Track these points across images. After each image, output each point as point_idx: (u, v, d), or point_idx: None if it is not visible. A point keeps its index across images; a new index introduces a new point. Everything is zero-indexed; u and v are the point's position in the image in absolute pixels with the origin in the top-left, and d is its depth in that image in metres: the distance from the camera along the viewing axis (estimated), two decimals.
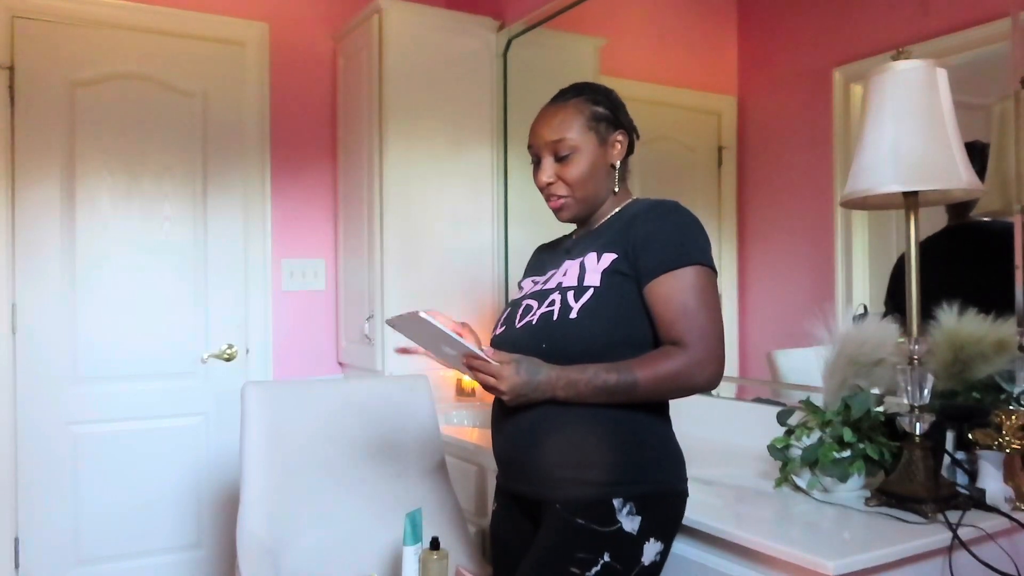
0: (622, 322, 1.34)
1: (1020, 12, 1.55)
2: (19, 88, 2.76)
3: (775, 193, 2.18)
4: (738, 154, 2.28)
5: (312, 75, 3.25)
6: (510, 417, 1.41)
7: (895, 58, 1.46)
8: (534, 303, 1.43)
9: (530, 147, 1.49)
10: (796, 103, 2.11)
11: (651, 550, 1.33)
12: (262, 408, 2.00)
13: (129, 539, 2.89)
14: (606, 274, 1.36)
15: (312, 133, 3.25)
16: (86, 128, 2.85)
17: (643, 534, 1.32)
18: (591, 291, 1.35)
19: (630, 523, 1.31)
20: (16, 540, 2.74)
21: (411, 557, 1.77)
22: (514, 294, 1.61)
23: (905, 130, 1.42)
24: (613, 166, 1.47)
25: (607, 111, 1.46)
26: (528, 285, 1.54)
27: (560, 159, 1.43)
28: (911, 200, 1.47)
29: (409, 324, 1.32)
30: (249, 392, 2.01)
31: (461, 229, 3.02)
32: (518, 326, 1.43)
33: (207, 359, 3.03)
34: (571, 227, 1.60)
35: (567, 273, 1.42)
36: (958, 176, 1.41)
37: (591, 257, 1.40)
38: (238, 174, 3.10)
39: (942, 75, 1.44)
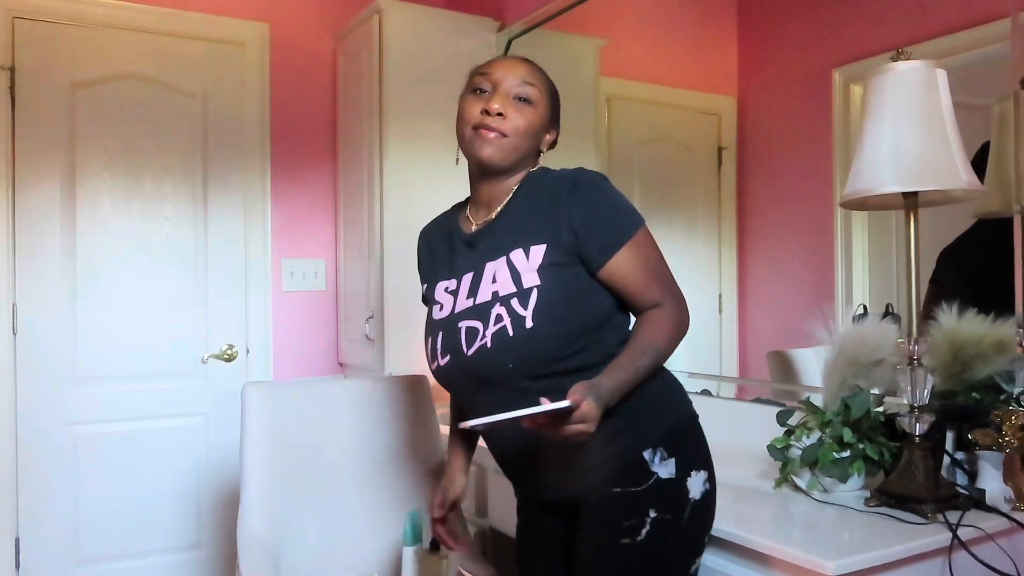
0: (577, 311, 1.29)
1: (1020, 12, 1.55)
2: (19, 88, 2.76)
3: (775, 193, 2.18)
4: (738, 154, 2.28)
5: (312, 75, 3.25)
6: (511, 437, 1.37)
7: (895, 59, 1.46)
8: (477, 324, 1.32)
9: (484, 75, 1.37)
10: (796, 103, 2.11)
11: (697, 482, 1.31)
12: (262, 408, 2.00)
13: (129, 539, 2.89)
14: (543, 270, 1.28)
15: (312, 133, 3.25)
16: (86, 128, 2.85)
17: (682, 472, 1.30)
18: (535, 292, 1.27)
19: (666, 469, 1.29)
20: (16, 540, 2.74)
21: (411, 557, 1.77)
22: (434, 308, 1.47)
23: (905, 130, 1.42)
24: (540, 150, 1.42)
25: (558, 100, 1.44)
26: (445, 298, 1.41)
27: (521, 100, 1.35)
28: (911, 201, 1.47)
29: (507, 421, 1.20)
30: (249, 392, 2.01)
31: None
32: (469, 353, 1.32)
33: (207, 359, 3.03)
34: (452, 203, 1.53)
35: (496, 278, 1.31)
36: (958, 176, 1.41)
37: (518, 255, 1.31)
38: (238, 174, 3.10)
39: (942, 75, 1.44)
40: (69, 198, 2.83)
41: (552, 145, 1.45)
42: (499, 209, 1.39)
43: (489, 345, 1.29)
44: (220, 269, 3.07)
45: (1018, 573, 1.34)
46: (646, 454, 1.29)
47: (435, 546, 1.81)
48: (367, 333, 2.95)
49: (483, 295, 1.33)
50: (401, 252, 2.89)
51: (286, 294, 3.20)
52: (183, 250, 3.01)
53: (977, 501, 1.44)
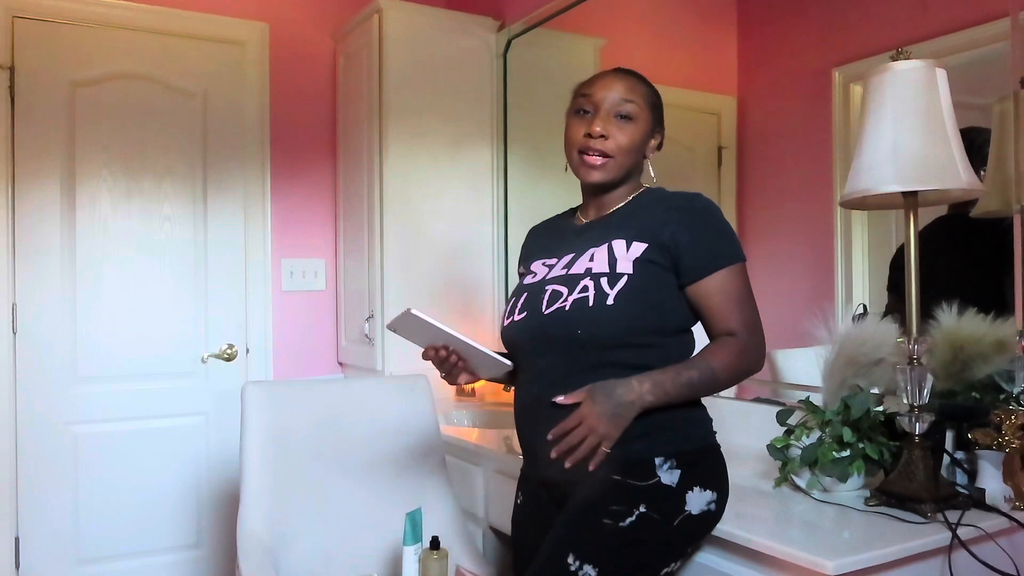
0: (655, 310, 1.35)
1: (1020, 12, 1.55)
2: (19, 88, 2.76)
3: (775, 193, 2.18)
4: (738, 154, 2.28)
5: (312, 75, 3.25)
6: (538, 410, 1.39)
7: (895, 58, 1.46)
8: (563, 289, 1.39)
9: (585, 96, 1.45)
10: (796, 103, 2.11)
11: (699, 499, 1.33)
12: (262, 408, 2.00)
13: (129, 539, 2.89)
14: (639, 263, 1.35)
15: (312, 133, 3.25)
16: (86, 128, 2.85)
17: (684, 485, 1.32)
18: (625, 278, 1.34)
19: (669, 477, 1.32)
20: (16, 540, 2.74)
21: (411, 557, 1.77)
22: (514, 280, 1.58)
23: (905, 130, 1.42)
24: (645, 156, 1.48)
25: (660, 106, 1.49)
26: (540, 269, 1.50)
27: (622, 118, 1.42)
28: (910, 200, 1.47)
29: (408, 325, 1.31)
30: (249, 392, 2.01)
31: (461, 229, 3.02)
32: (546, 312, 1.39)
33: (207, 359, 3.03)
34: (569, 207, 1.60)
35: (594, 258, 1.39)
36: (958, 176, 1.41)
37: (619, 244, 1.38)
38: (238, 174, 3.10)
39: (942, 75, 1.44)
40: (69, 198, 2.83)
41: (658, 148, 1.50)
42: (613, 209, 1.48)
43: (567, 309, 1.36)
44: (220, 269, 3.07)
45: (1018, 573, 1.34)
46: (657, 460, 1.32)
47: (435, 546, 1.81)
48: (367, 333, 2.95)
49: (577, 268, 1.41)
50: (401, 252, 2.89)
51: (286, 294, 3.20)
52: (183, 250, 3.01)
53: (977, 501, 1.44)
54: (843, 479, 1.53)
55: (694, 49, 2.48)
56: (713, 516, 1.36)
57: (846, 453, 1.53)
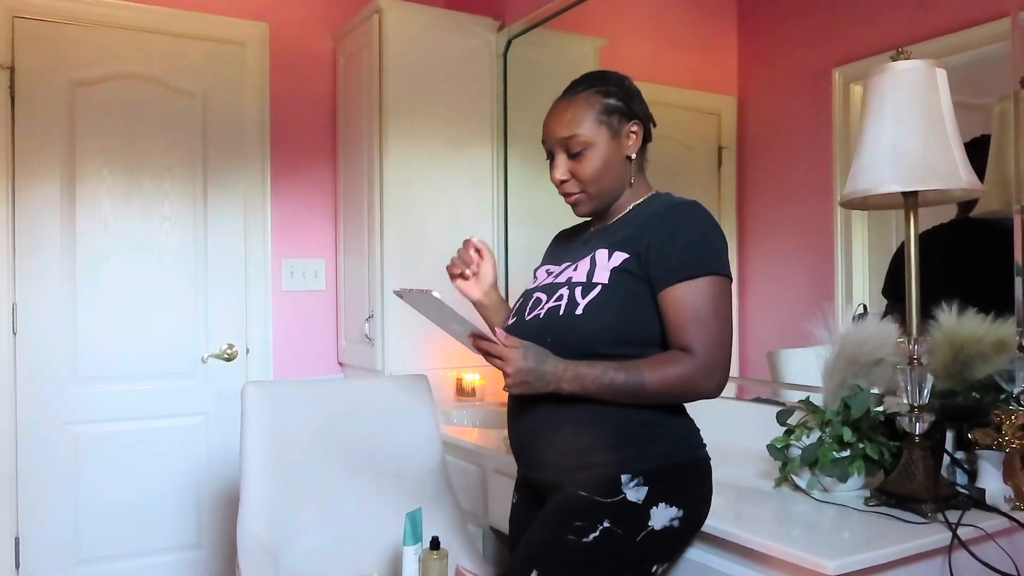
0: (627, 320, 1.34)
1: (1020, 12, 1.55)
2: (19, 88, 2.76)
3: (775, 193, 2.18)
4: (738, 154, 2.28)
5: (312, 75, 3.25)
6: (525, 409, 1.42)
7: (895, 58, 1.46)
8: (543, 296, 1.43)
9: (544, 142, 1.48)
10: (796, 103, 2.11)
11: (663, 515, 1.32)
12: (262, 408, 2.00)
13: (129, 539, 2.89)
14: (615, 272, 1.36)
15: (312, 133, 3.25)
16: (86, 128, 2.85)
17: (650, 501, 1.32)
18: (599, 288, 1.35)
19: (635, 493, 1.32)
20: (16, 540, 2.74)
21: (411, 557, 1.77)
22: (529, 283, 1.60)
23: (905, 130, 1.42)
24: (629, 158, 1.44)
25: (619, 102, 1.43)
26: (542, 275, 1.54)
27: (573, 156, 1.42)
28: (911, 200, 1.47)
29: (418, 299, 1.33)
30: (249, 392, 2.01)
31: (461, 229, 3.01)
32: (527, 318, 1.43)
33: (207, 359, 3.03)
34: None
35: (578, 268, 1.42)
36: (958, 176, 1.41)
37: (602, 253, 1.40)
38: (238, 174, 3.10)
39: (942, 75, 1.44)
40: (69, 197, 2.83)
41: (645, 139, 1.47)
42: (615, 219, 1.48)
43: (541, 316, 1.40)
44: (220, 269, 3.07)
45: (1018, 573, 1.34)
46: (623, 477, 1.32)
47: (435, 546, 1.81)
48: (366, 333, 2.95)
49: (561, 277, 1.44)
50: (401, 252, 2.89)
51: (286, 293, 3.19)
52: (183, 249, 3.01)
53: (977, 501, 1.44)
54: (843, 479, 1.53)
55: (694, 49, 2.48)
56: (677, 532, 1.34)
57: (846, 453, 1.53)
